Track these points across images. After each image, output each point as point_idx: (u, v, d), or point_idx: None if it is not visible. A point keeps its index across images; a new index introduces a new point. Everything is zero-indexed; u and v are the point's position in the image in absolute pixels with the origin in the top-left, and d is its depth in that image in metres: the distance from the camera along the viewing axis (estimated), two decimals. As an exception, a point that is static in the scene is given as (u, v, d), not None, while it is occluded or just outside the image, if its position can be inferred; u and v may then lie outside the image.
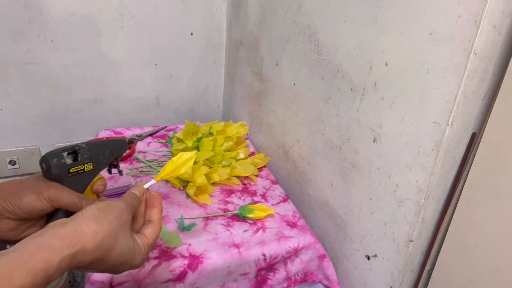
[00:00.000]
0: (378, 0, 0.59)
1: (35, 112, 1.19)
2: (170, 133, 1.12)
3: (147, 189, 0.52)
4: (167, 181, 0.86)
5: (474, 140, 0.53)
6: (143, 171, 0.90)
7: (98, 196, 0.55)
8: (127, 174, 0.87)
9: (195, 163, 0.78)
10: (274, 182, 0.92)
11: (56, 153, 0.47)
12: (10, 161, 1.21)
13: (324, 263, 0.74)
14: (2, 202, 0.43)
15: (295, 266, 0.73)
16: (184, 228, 0.71)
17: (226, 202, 0.81)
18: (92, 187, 0.53)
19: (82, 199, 0.48)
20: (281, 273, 0.72)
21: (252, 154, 1.04)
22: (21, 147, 1.22)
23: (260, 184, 0.90)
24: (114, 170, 0.58)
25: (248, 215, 0.75)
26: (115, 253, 0.40)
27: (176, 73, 1.33)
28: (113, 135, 1.08)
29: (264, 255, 0.68)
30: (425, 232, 0.59)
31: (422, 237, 0.60)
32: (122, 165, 0.88)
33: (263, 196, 0.86)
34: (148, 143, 1.05)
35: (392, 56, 0.58)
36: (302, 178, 0.89)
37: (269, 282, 0.71)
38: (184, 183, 0.84)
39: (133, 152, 0.97)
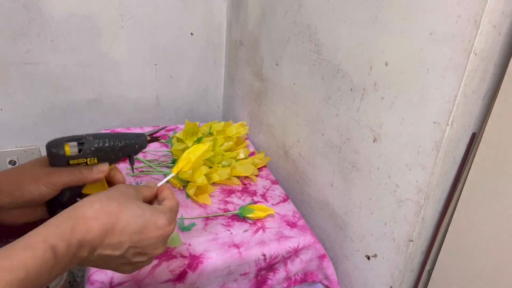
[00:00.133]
0: (378, 0, 0.59)
1: (35, 112, 1.19)
2: (170, 133, 1.12)
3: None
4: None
5: (474, 140, 0.53)
6: (143, 171, 0.90)
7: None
8: (127, 174, 0.87)
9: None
10: (274, 182, 0.92)
11: (58, 142, 0.47)
12: (10, 161, 1.21)
13: (324, 263, 0.74)
14: (4, 197, 0.44)
15: (295, 266, 0.73)
16: (184, 228, 0.71)
17: (226, 202, 0.81)
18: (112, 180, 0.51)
19: (80, 171, 0.47)
20: (281, 273, 0.72)
21: (252, 154, 1.04)
22: (21, 147, 1.22)
23: (260, 184, 0.90)
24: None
25: (248, 215, 0.75)
26: (124, 216, 0.39)
27: (176, 73, 1.33)
28: (113, 135, 1.08)
29: (264, 255, 0.68)
30: (425, 232, 0.59)
31: (422, 237, 0.60)
32: (122, 165, 0.88)
33: (263, 196, 0.86)
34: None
35: (392, 56, 0.58)
36: (302, 178, 0.89)
37: (269, 282, 0.71)
38: (184, 183, 0.84)
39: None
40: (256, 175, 0.93)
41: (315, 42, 0.78)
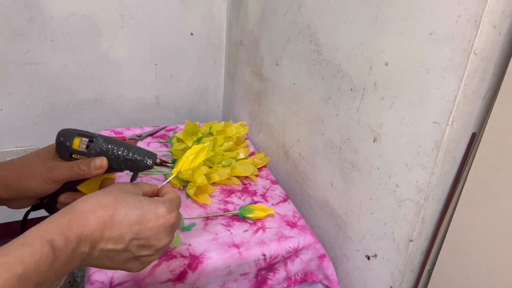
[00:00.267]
0: (378, 0, 0.59)
1: (35, 112, 1.19)
2: (170, 133, 1.12)
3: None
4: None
5: (474, 140, 0.53)
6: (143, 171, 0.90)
7: None
8: (126, 174, 0.87)
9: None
10: (274, 182, 0.92)
11: (69, 133, 0.47)
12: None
13: (324, 263, 0.74)
14: (8, 191, 0.45)
15: (295, 266, 0.73)
16: (184, 228, 0.71)
17: (226, 202, 0.81)
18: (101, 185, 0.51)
19: (79, 167, 0.46)
20: (281, 273, 0.72)
21: (252, 154, 1.04)
22: (21, 147, 1.22)
23: (260, 184, 0.90)
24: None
25: (248, 215, 0.75)
26: (122, 208, 0.38)
27: (176, 73, 1.33)
28: (113, 135, 1.08)
29: (264, 255, 0.68)
30: (425, 232, 0.59)
31: (422, 237, 0.60)
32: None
33: (263, 196, 0.86)
34: (148, 143, 1.05)
35: (392, 56, 0.58)
36: (302, 178, 0.89)
37: (269, 282, 0.71)
38: (184, 183, 0.84)
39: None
40: (256, 175, 0.93)
41: (315, 42, 0.78)
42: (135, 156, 0.48)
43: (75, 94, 1.21)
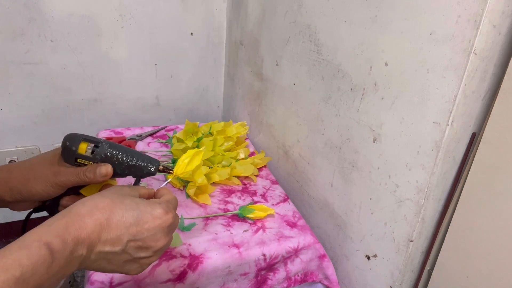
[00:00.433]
0: (378, 0, 0.59)
1: (35, 112, 1.19)
2: (170, 133, 1.12)
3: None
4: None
5: (474, 140, 0.53)
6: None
7: None
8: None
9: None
10: (274, 182, 0.92)
11: (75, 138, 0.48)
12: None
13: (324, 263, 0.74)
14: (14, 194, 0.46)
15: (295, 266, 0.73)
16: (184, 228, 0.71)
17: (226, 202, 0.81)
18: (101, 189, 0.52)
19: (85, 174, 0.47)
20: (281, 273, 0.72)
21: (252, 154, 1.04)
22: (21, 147, 1.22)
23: (260, 184, 0.90)
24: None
25: (248, 215, 0.75)
26: (118, 210, 0.39)
27: (176, 73, 1.33)
28: (113, 135, 1.08)
29: (264, 255, 0.68)
30: (425, 232, 0.59)
31: (422, 237, 0.60)
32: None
33: (263, 196, 0.86)
34: (148, 143, 1.05)
35: (392, 56, 0.58)
36: (302, 178, 0.89)
37: (269, 282, 0.71)
38: (184, 183, 0.84)
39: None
40: (256, 175, 0.93)
41: (315, 42, 0.78)
42: (139, 162, 0.49)
43: (75, 94, 1.21)
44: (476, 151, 0.51)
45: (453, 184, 0.56)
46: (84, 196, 0.50)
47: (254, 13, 1.06)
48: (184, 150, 0.92)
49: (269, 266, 0.70)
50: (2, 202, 0.47)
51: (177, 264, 0.63)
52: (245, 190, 0.87)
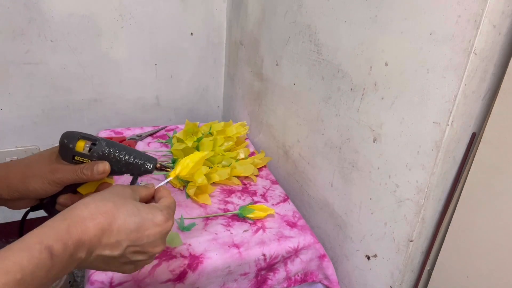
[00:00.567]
0: (378, 0, 0.59)
1: (35, 112, 1.19)
2: (170, 133, 1.12)
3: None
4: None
5: (474, 140, 0.53)
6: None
7: None
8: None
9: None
10: (274, 182, 0.92)
11: (72, 136, 0.48)
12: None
13: (324, 263, 0.74)
14: (12, 192, 0.46)
15: (295, 266, 0.73)
16: (184, 228, 0.71)
17: (226, 202, 0.81)
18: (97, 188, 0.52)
19: (82, 171, 0.47)
20: (281, 273, 0.72)
21: (252, 154, 1.04)
22: (21, 147, 1.22)
23: (260, 184, 0.90)
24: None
25: (248, 215, 0.75)
26: (121, 215, 0.39)
27: (176, 73, 1.33)
28: (113, 135, 1.08)
29: (264, 255, 0.68)
30: (425, 232, 0.59)
31: (422, 237, 0.60)
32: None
33: (263, 196, 0.86)
34: (148, 143, 1.05)
35: (392, 56, 0.58)
36: (302, 178, 0.89)
37: (269, 282, 0.71)
38: (184, 183, 0.84)
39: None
40: (256, 175, 0.93)
41: (315, 42, 0.78)
42: (136, 160, 0.49)
43: (75, 94, 1.21)
44: (476, 151, 0.51)
45: (453, 184, 0.56)
46: (81, 194, 0.50)
47: (254, 13, 1.06)
48: (184, 150, 0.92)
49: (269, 266, 0.70)
50: (0, 200, 0.47)
51: (177, 264, 0.63)
52: (245, 190, 0.87)
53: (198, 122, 1.02)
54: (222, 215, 0.77)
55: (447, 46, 0.48)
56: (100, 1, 1.12)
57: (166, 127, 1.16)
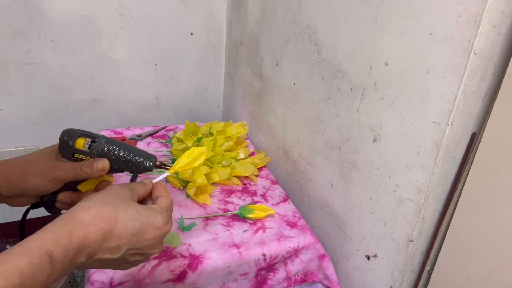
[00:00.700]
0: (378, 0, 0.59)
1: (35, 112, 1.19)
2: (170, 133, 1.12)
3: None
4: (167, 181, 0.86)
5: (474, 140, 0.53)
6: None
7: None
8: (126, 173, 0.87)
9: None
10: (274, 182, 0.92)
11: (72, 133, 0.48)
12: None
13: (324, 263, 0.74)
14: (12, 189, 0.46)
15: (295, 266, 0.73)
16: (184, 228, 0.71)
17: (226, 202, 0.81)
18: (96, 187, 0.52)
19: (82, 169, 0.47)
20: (281, 273, 0.72)
21: (252, 154, 1.04)
22: (21, 147, 1.22)
23: (260, 184, 0.90)
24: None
25: (248, 215, 0.75)
26: (122, 220, 0.39)
27: (176, 73, 1.33)
28: (113, 135, 1.08)
29: (264, 255, 0.68)
30: (425, 232, 0.59)
31: (422, 237, 0.60)
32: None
33: (263, 196, 0.86)
34: (148, 143, 1.05)
35: (392, 56, 0.58)
36: (302, 178, 0.89)
37: (269, 282, 0.71)
38: (184, 183, 0.84)
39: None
40: (256, 175, 0.93)
41: (315, 42, 0.78)
42: (136, 158, 0.49)
43: (75, 94, 1.21)
44: (476, 151, 0.51)
45: (453, 184, 0.56)
46: (80, 191, 0.50)
47: (254, 13, 1.06)
48: (184, 150, 0.92)
49: (269, 266, 0.70)
50: (0, 197, 0.47)
51: (177, 264, 0.63)
52: (245, 190, 0.87)
53: (198, 122, 1.02)
54: (222, 215, 0.77)
55: (447, 46, 0.48)
56: (100, 1, 1.12)
57: (166, 127, 1.16)
